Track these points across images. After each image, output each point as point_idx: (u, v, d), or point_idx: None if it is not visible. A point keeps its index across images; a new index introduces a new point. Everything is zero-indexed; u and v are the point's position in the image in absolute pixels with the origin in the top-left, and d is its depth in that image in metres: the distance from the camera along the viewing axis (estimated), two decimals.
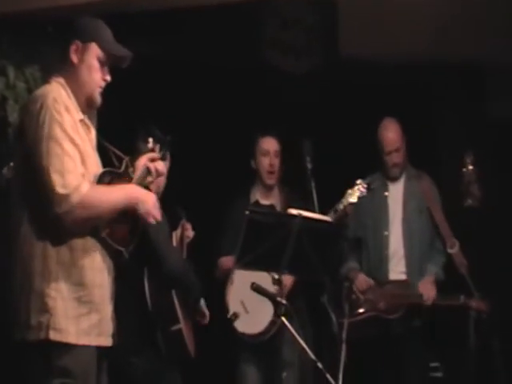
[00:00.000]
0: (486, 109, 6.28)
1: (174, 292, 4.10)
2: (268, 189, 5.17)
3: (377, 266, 5.08)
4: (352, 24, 5.85)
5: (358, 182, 4.69)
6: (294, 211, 4.00)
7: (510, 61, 5.86)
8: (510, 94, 6.10)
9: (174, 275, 4.08)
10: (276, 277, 4.66)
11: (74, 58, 3.20)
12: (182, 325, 4.08)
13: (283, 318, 3.70)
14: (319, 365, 3.53)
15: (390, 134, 5.12)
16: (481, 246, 5.21)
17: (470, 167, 4.89)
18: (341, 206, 4.63)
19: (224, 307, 4.91)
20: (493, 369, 4.86)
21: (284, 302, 3.72)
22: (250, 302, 4.78)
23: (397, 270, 5.04)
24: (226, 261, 4.97)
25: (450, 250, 4.92)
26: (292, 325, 3.69)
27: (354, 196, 4.65)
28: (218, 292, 4.94)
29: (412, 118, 5.94)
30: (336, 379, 3.96)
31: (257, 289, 3.93)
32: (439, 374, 5.31)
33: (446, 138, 6.38)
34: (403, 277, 5.03)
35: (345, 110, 6.00)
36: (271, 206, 5.08)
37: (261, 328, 4.78)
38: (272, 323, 4.74)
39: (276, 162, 5.12)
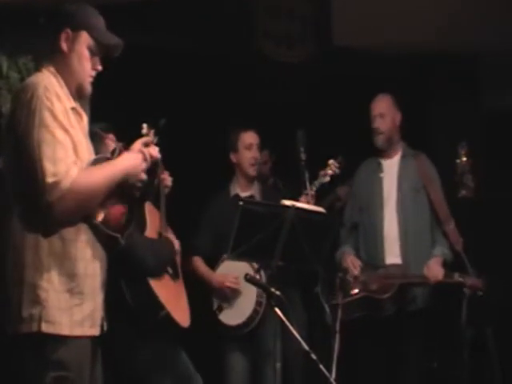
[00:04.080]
0: (479, 100, 6.31)
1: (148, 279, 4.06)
2: (249, 181, 5.18)
3: (373, 249, 5.01)
4: (346, 14, 5.85)
5: (330, 162, 4.83)
6: (287, 202, 4.01)
7: (503, 52, 5.87)
8: (504, 85, 6.12)
9: (147, 267, 4.01)
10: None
11: (64, 47, 3.16)
12: (169, 307, 4.06)
13: (277, 309, 3.69)
14: (313, 356, 3.52)
15: (377, 102, 5.16)
16: (474, 237, 5.22)
17: (464, 158, 4.88)
18: (313, 188, 4.74)
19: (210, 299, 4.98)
20: (486, 353, 4.88)
21: (278, 292, 3.72)
22: (232, 294, 4.89)
23: (392, 253, 4.96)
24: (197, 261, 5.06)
25: (445, 228, 4.86)
26: (285, 315, 3.69)
27: (326, 176, 4.79)
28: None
29: (405, 108, 5.94)
30: (329, 370, 3.96)
31: (251, 280, 3.93)
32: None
33: (439, 129, 6.40)
34: (399, 260, 4.94)
35: (338, 101, 6.00)
36: (251, 197, 5.09)
37: (242, 319, 4.82)
38: (254, 314, 4.77)
39: (258, 154, 5.17)
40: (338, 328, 4.61)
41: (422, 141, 6.10)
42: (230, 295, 4.89)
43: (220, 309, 4.89)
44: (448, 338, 5.30)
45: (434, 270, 4.83)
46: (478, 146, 5.55)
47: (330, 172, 4.87)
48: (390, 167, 5.12)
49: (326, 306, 4.85)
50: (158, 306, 4.02)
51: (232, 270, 4.85)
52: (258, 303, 4.77)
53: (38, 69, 3.30)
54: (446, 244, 4.94)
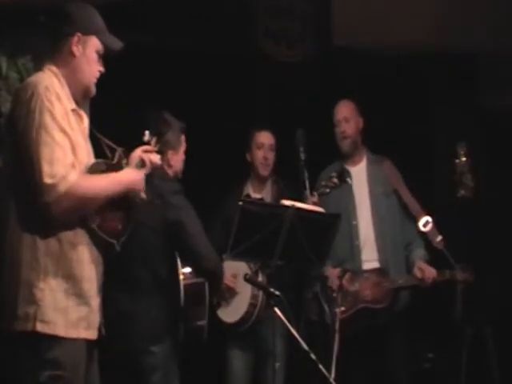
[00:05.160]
0: (479, 100, 6.30)
1: (206, 286, 4.09)
2: (262, 182, 5.21)
3: (347, 257, 4.97)
4: (346, 14, 5.86)
5: (333, 174, 4.76)
6: (287, 202, 4.01)
7: (503, 52, 5.87)
8: (504, 85, 6.11)
9: (211, 269, 4.05)
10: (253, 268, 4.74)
11: (76, 51, 3.20)
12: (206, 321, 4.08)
13: (276, 309, 3.69)
14: (312, 356, 3.52)
15: (341, 106, 5.19)
16: (473, 237, 5.22)
17: (463, 158, 4.89)
18: (314, 196, 4.69)
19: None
20: (485, 353, 4.88)
21: (277, 292, 3.71)
22: (229, 292, 4.89)
23: (370, 259, 4.96)
24: None
25: (423, 229, 4.84)
26: (285, 315, 3.69)
27: (326, 188, 4.73)
28: None
29: (405, 108, 5.95)
30: (329, 370, 3.96)
31: (250, 280, 3.94)
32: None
33: (439, 129, 6.39)
34: (377, 265, 4.95)
35: (338, 101, 5.99)
36: (261, 199, 5.10)
37: (236, 318, 4.85)
38: (247, 314, 4.79)
39: (270, 155, 5.20)
40: (337, 328, 4.60)
41: (422, 141, 6.10)
42: (226, 293, 4.90)
43: (218, 305, 4.92)
44: (444, 338, 5.30)
45: (428, 270, 4.84)
46: (478, 146, 5.56)
47: (330, 184, 4.84)
48: (358, 174, 5.13)
49: (326, 306, 4.85)
50: (202, 313, 4.03)
51: (233, 269, 4.87)
52: (252, 304, 4.78)
53: (37, 69, 3.31)
54: (422, 244, 4.98)
